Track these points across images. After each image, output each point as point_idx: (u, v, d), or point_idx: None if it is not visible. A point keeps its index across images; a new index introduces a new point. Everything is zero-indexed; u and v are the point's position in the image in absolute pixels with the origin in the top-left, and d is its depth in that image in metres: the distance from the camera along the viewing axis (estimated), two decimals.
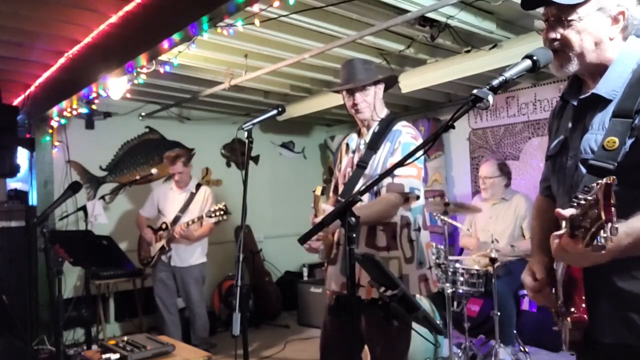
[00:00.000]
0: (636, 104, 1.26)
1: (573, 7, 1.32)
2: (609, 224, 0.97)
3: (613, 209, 0.98)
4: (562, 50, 1.35)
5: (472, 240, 4.18)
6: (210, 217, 3.95)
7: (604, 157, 1.26)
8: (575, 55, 1.35)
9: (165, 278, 4.30)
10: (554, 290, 1.42)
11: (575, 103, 1.42)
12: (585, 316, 1.28)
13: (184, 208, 4.32)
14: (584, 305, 1.29)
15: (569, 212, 1.08)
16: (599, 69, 1.37)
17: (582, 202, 1.02)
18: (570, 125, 1.43)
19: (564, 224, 1.15)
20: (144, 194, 5.44)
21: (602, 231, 0.98)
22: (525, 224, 3.99)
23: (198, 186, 4.45)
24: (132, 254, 5.06)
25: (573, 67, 1.36)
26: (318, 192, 2.27)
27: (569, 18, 1.33)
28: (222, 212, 3.90)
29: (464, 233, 4.33)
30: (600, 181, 0.99)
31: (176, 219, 4.28)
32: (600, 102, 1.35)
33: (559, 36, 1.35)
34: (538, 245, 1.55)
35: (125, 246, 5.08)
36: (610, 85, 1.34)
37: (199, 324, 4.36)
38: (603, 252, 1.01)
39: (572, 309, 1.30)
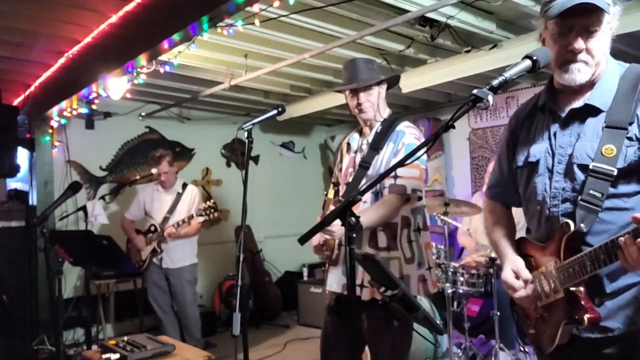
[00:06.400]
0: (629, 116, 1.34)
1: (600, 19, 1.35)
2: None
3: None
4: (584, 60, 1.38)
5: (472, 242, 4.17)
6: (201, 215, 3.92)
7: (604, 162, 1.34)
8: (594, 65, 1.39)
9: (158, 280, 4.24)
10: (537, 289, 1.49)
11: (563, 114, 1.46)
12: (598, 314, 1.34)
13: (172, 209, 4.23)
14: (589, 305, 1.34)
15: None
16: (588, 81, 1.42)
17: None
18: (552, 132, 1.47)
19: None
20: None
21: None
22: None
23: (184, 186, 4.35)
24: None
25: (587, 76, 1.40)
26: (330, 194, 2.27)
27: (595, 29, 1.36)
28: (212, 210, 3.88)
29: (462, 231, 4.32)
30: None
31: (165, 220, 4.19)
32: (590, 112, 1.41)
33: (584, 46, 1.37)
34: (510, 246, 1.62)
35: (125, 246, 5.08)
36: (604, 98, 1.40)
37: (192, 325, 4.27)
38: None
39: (580, 312, 1.34)
